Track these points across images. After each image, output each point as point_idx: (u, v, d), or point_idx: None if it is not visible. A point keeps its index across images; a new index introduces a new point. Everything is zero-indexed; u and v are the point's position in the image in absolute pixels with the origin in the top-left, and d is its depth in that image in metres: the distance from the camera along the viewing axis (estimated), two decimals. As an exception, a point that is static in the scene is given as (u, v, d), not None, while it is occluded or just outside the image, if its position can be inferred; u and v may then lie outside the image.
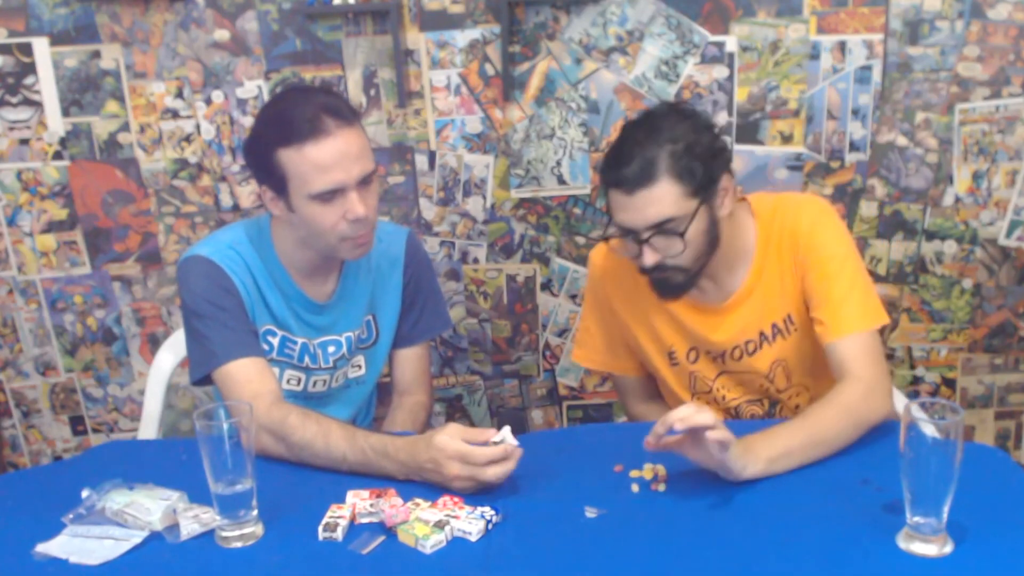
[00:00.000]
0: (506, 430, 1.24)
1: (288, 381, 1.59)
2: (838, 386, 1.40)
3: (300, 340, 1.57)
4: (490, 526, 1.17)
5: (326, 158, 1.38)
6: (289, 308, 1.55)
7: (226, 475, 1.13)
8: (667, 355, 1.63)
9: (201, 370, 1.48)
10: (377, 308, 1.65)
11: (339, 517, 1.18)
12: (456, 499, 1.22)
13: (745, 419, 1.62)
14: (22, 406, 2.43)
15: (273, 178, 1.43)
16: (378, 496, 1.21)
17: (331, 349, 1.60)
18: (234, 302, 1.48)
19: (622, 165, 1.40)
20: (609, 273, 1.64)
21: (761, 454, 1.24)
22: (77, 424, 2.45)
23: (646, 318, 1.62)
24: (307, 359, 1.58)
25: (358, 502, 1.21)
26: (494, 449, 1.23)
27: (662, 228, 1.40)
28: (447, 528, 1.15)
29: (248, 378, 1.43)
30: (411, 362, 1.71)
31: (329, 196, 1.40)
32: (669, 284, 1.48)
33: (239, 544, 1.15)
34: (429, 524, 1.15)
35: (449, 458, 1.22)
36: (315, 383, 1.61)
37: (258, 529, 1.17)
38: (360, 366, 1.66)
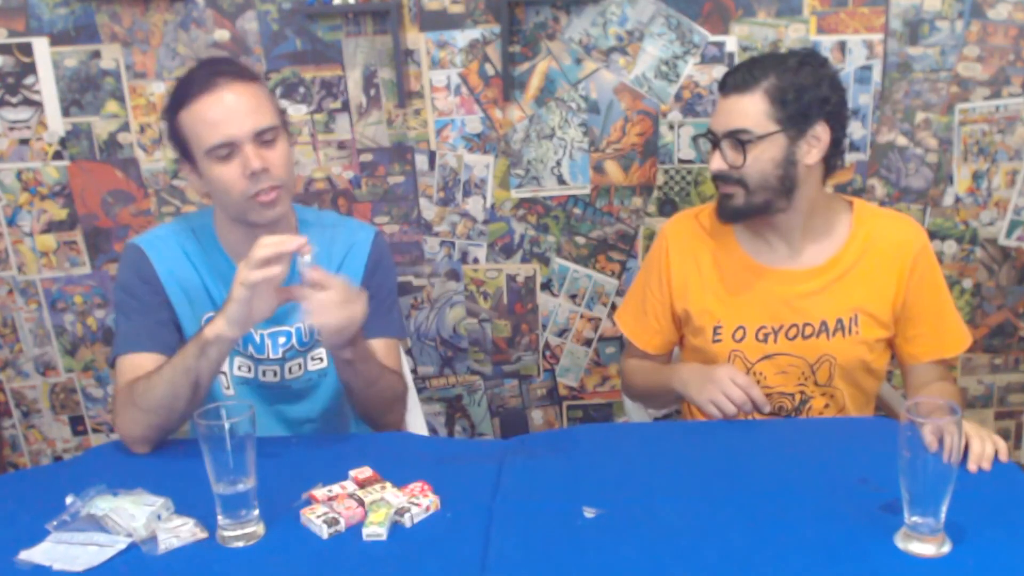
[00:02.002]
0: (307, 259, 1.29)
1: (239, 368, 1.58)
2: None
3: None
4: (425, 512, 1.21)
5: (215, 112, 1.40)
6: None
7: (227, 475, 1.13)
8: (713, 330, 1.63)
9: (109, 358, 1.52)
10: None
11: (325, 513, 1.18)
12: (424, 486, 1.24)
13: (763, 416, 1.64)
14: (22, 406, 2.43)
15: (180, 146, 1.46)
16: (330, 499, 1.22)
17: (281, 340, 1.58)
18: (149, 291, 1.49)
19: (732, 72, 1.51)
20: (677, 244, 1.68)
21: None
22: (77, 424, 2.45)
23: (702, 290, 1.64)
24: (251, 348, 1.57)
25: (320, 504, 1.22)
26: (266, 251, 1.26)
27: (736, 136, 1.48)
28: (407, 515, 1.19)
29: (133, 372, 1.45)
30: (378, 348, 1.62)
31: (224, 151, 1.41)
32: (728, 204, 1.55)
33: (240, 544, 1.15)
34: (390, 510, 1.19)
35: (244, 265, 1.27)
36: (264, 372, 1.60)
37: (259, 529, 1.18)
38: (322, 359, 1.63)
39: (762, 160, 1.48)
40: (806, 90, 1.47)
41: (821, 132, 1.50)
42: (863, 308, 1.57)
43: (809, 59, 1.50)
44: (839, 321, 1.57)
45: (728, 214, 1.56)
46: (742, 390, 1.47)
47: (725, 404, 1.47)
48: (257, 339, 1.57)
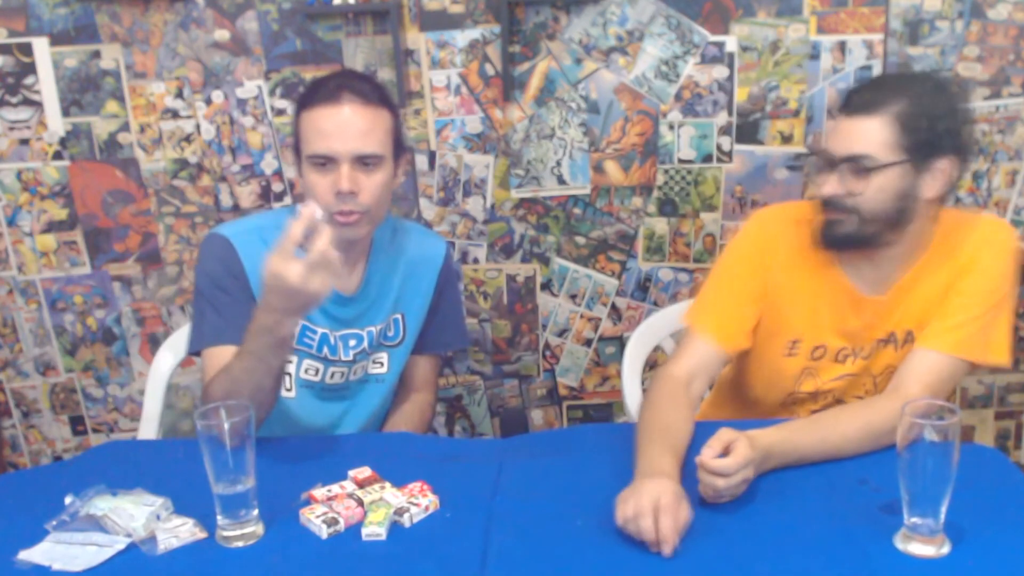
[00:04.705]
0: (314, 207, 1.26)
1: (306, 371, 1.60)
2: (883, 395, 1.40)
3: (320, 330, 1.57)
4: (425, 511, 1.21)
5: (328, 124, 1.44)
6: None
7: (227, 475, 1.14)
8: (790, 344, 1.53)
9: (194, 346, 1.54)
10: (405, 308, 1.66)
11: (325, 513, 1.18)
12: (423, 486, 1.25)
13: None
14: (22, 406, 2.43)
15: (295, 142, 1.50)
16: (330, 499, 1.22)
17: (352, 343, 1.60)
18: (238, 286, 1.50)
19: (858, 91, 1.41)
20: (770, 243, 1.53)
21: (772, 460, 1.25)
22: (77, 424, 2.45)
23: (794, 300, 1.52)
24: (326, 350, 1.59)
25: (319, 504, 1.22)
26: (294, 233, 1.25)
27: (856, 160, 1.36)
28: (406, 515, 1.19)
29: (221, 365, 1.45)
30: (425, 365, 1.74)
31: (322, 162, 1.45)
32: (835, 230, 1.42)
33: (240, 544, 1.16)
34: (390, 510, 1.19)
35: (270, 270, 1.25)
36: (333, 374, 1.62)
37: (259, 529, 1.18)
38: (383, 363, 1.67)
39: (882, 190, 1.36)
40: (939, 120, 1.34)
41: (947, 166, 1.37)
42: (916, 321, 1.47)
43: (945, 85, 1.39)
44: (908, 333, 1.48)
45: (836, 241, 1.43)
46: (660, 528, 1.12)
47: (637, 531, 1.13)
48: (332, 341, 1.59)
